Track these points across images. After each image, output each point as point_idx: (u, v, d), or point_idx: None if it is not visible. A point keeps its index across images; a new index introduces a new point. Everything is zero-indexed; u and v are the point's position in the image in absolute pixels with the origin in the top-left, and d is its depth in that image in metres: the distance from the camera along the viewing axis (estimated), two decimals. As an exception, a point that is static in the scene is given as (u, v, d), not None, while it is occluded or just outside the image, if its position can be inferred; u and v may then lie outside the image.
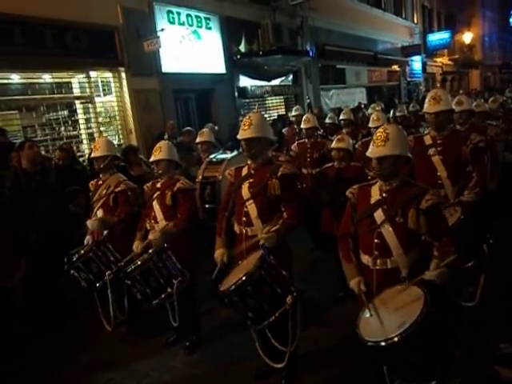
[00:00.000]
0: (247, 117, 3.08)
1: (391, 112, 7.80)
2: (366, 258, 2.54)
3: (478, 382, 2.71)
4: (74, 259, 3.83)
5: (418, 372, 2.15)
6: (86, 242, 4.00)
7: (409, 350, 2.06)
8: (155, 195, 3.67)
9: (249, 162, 3.13)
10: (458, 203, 3.27)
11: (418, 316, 2.02)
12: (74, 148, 6.71)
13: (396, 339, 2.00)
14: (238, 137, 3.04)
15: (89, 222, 3.90)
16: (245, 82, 10.54)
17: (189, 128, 7.10)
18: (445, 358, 2.13)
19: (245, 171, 3.14)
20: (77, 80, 7.28)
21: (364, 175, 4.10)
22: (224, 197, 3.39)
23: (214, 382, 3.36)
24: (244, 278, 2.63)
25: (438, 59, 24.28)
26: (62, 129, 7.18)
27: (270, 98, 11.89)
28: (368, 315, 2.28)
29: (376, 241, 2.47)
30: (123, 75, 7.58)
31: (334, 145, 4.41)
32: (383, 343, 2.04)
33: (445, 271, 2.25)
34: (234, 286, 2.64)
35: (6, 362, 3.80)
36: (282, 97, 12.40)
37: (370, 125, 5.34)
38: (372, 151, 2.49)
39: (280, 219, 2.98)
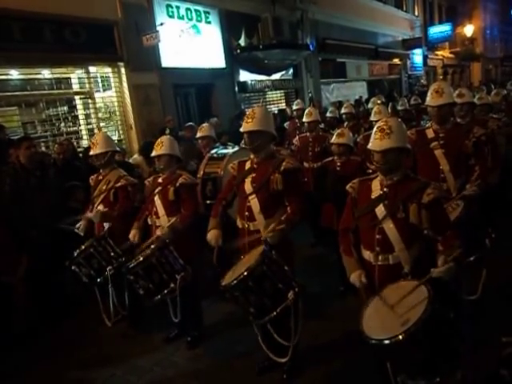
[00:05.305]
0: (251, 110, 3.08)
1: (389, 105, 7.75)
2: (367, 254, 2.52)
3: (479, 377, 2.71)
4: (75, 255, 3.84)
5: (423, 368, 2.11)
6: (77, 226, 4.00)
7: (413, 347, 2.02)
8: (157, 190, 3.66)
9: (251, 156, 3.12)
10: (461, 198, 3.25)
11: (422, 313, 1.98)
12: (75, 143, 6.69)
13: (401, 337, 1.95)
14: (241, 129, 3.04)
15: (90, 215, 3.93)
16: (245, 76, 10.50)
17: (190, 123, 7.08)
18: (449, 353, 2.10)
19: (248, 165, 3.13)
20: (76, 75, 7.26)
21: (363, 169, 4.09)
22: (225, 187, 3.37)
23: (216, 377, 3.36)
24: (246, 273, 2.62)
25: (439, 52, 24.14)
26: (62, 125, 7.16)
27: (270, 93, 11.85)
28: (371, 310, 2.26)
29: (377, 236, 2.44)
30: (122, 70, 7.55)
31: (333, 140, 4.39)
32: (387, 341, 1.99)
33: (452, 266, 2.22)
34: (235, 281, 2.64)
35: (6, 359, 3.80)
36: (282, 91, 12.37)
37: (372, 118, 5.33)
38: (376, 144, 2.41)
39: (283, 214, 2.96)
